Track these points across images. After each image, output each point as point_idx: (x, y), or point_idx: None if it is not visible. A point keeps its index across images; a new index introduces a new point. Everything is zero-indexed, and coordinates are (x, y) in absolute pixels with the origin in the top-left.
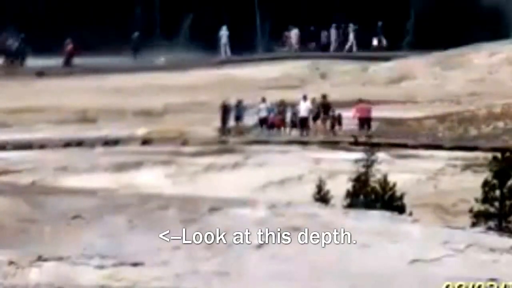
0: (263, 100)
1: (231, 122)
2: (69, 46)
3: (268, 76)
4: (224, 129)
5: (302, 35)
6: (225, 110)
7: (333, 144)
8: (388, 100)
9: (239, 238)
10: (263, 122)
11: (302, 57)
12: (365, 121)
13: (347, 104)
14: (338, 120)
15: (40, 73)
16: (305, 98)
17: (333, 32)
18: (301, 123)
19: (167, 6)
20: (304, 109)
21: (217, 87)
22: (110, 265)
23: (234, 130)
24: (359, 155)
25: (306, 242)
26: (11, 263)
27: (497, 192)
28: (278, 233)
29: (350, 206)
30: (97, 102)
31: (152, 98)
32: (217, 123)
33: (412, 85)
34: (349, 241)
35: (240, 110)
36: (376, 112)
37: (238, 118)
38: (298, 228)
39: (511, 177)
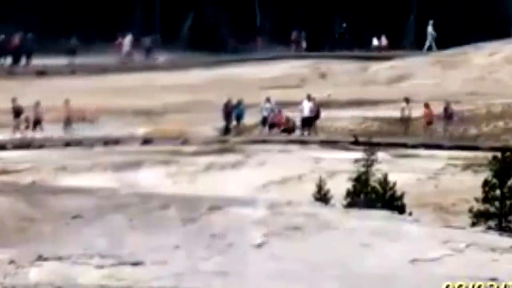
0: (268, 100)
1: (233, 122)
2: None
3: (268, 76)
4: (227, 128)
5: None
6: (228, 109)
7: (333, 144)
8: (388, 100)
9: (239, 238)
10: (264, 121)
11: (303, 57)
12: None
13: (347, 104)
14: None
15: (40, 73)
16: (309, 98)
17: (126, 40)
18: (304, 123)
19: (167, 6)
20: (307, 108)
21: (217, 87)
22: (110, 264)
23: (236, 129)
24: (359, 154)
25: (307, 241)
26: (11, 262)
27: (497, 192)
28: (278, 233)
29: (350, 205)
30: (97, 102)
31: (152, 98)
32: (217, 122)
33: (412, 84)
34: (349, 241)
35: (240, 109)
36: (377, 112)
37: (239, 117)
38: (299, 228)
39: (511, 177)
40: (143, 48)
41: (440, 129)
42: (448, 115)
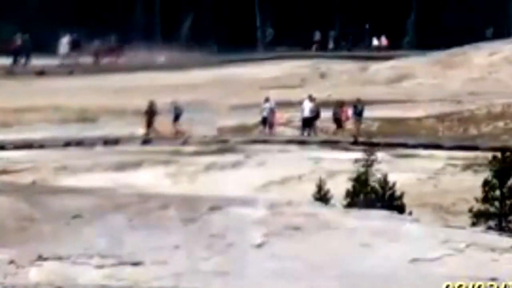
0: (267, 99)
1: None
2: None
3: (268, 76)
4: (149, 130)
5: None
6: (151, 110)
7: (333, 144)
8: (388, 99)
9: (239, 238)
10: (264, 121)
11: (303, 57)
12: None
13: (347, 104)
14: None
15: (40, 73)
16: (310, 98)
17: (63, 41)
18: (305, 123)
19: (167, 6)
20: (308, 109)
21: (217, 87)
22: (110, 264)
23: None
24: (359, 154)
25: (307, 241)
26: (11, 262)
27: (497, 192)
28: (278, 233)
29: (350, 205)
30: (97, 102)
31: (152, 98)
32: (218, 122)
33: (412, 84)
34: (349, 241)
35: (177, 110)
36: (377, 112)
37: (176, 118)
38: (298, 228)
39: (511, 177)
40: (89, 51)
41: (440, 129)
42: (358, 112)
